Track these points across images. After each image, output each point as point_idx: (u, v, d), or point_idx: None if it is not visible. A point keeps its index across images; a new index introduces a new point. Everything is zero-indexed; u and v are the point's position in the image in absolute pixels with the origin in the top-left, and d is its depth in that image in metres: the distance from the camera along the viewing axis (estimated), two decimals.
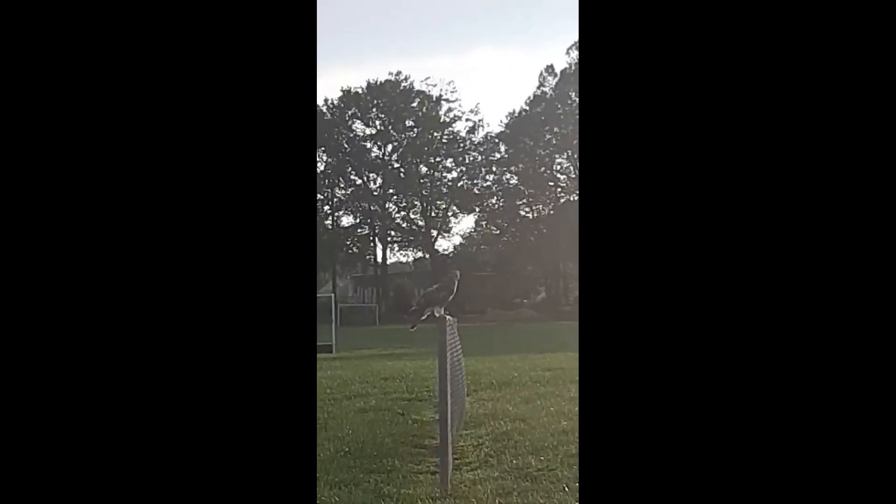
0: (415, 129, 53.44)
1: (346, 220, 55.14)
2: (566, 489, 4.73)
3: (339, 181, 53.98)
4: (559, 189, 51.61)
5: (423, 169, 54.05)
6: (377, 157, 54.19)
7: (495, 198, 54.15)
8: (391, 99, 52.93)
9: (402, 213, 54.95)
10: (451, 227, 55.76)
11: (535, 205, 52.95)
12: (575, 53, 47.90)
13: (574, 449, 5.71)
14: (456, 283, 5.81)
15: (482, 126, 54.00)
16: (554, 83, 50.89)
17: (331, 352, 18.92)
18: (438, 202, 54.42)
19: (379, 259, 55.23)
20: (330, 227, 52.58)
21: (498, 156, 53.24)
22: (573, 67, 48.38)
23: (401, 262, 57.36)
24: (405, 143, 53.56)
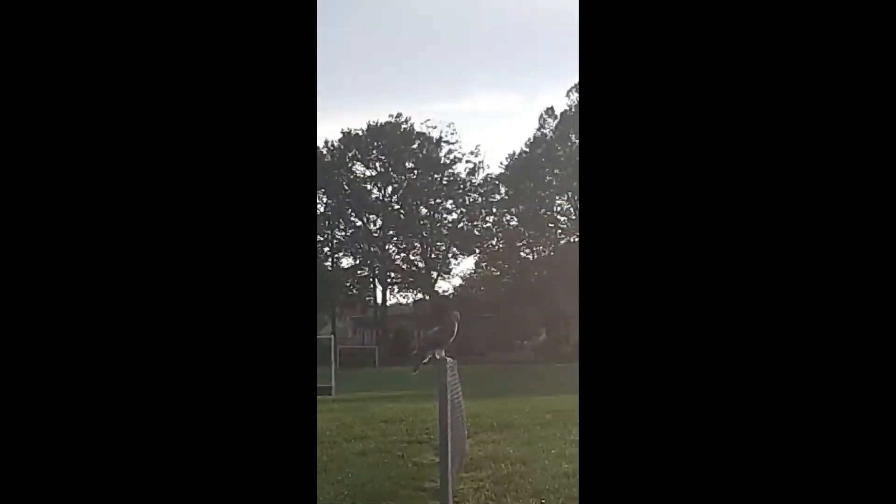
0: (415, 171, 53.64)
1: (346, 262, 55.07)
2: None
3: (339, 223, 54.03)
4: (559, 231, 51.62)
5: (424, 210, 54.17)
6: (377, 198, 54.33)
7: (495, 239, 54.15)
8: (391, 140, 53.22)
9: (402, 254, 54.94)
10: (451, 269, 55.67)
11: (536, 246, 52.90)
12: (575, 96, 48.25)
13: (576, 492, 5.65)
14: (456, 324, 5.81)
15: (482, 168, 54.17)
16: (554, 125, 51.20)
17: (330, 394, 18.74)
18: (438, 243, 54.42)
19: (379, 300, 55.03)
20: (330, 268, 52.45)
21: (498, 197, 53.37)
22: (573, 109, 48.66)
23: (401, 304, 57.12)
24: (405, 184, 53.73)
